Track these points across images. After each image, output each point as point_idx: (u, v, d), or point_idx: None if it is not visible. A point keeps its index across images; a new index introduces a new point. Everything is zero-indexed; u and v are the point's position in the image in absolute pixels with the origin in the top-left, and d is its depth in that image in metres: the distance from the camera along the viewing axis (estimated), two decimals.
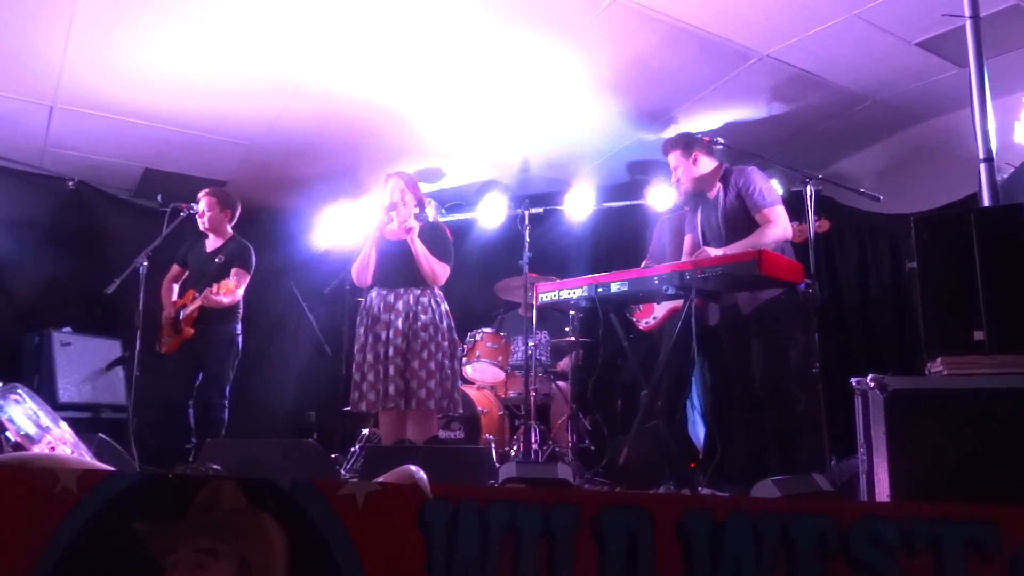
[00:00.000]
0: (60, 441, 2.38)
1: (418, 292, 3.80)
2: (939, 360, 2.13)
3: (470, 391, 4.73)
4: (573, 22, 3.82)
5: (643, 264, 4.26)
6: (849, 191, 3.62)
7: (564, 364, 5.13)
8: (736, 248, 3.24)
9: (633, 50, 4.08)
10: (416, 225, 3.78)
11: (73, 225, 5.48)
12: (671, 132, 4.75)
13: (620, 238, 5.70)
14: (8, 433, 2.28)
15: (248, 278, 4.32)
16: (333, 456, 4.29)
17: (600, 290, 3.33)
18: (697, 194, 3.63)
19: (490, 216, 5.44)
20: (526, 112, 4.78)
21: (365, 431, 4.68)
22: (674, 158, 3.64)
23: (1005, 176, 3.24)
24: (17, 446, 2.26)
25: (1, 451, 2.23)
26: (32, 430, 2.33)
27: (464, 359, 4.84)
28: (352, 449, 4.48)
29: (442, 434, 4.49)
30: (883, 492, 2.03)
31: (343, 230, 5.63)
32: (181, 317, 4.21)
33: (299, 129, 4.94)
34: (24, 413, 2.36)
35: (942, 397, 2.05)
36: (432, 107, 4.70)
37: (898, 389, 2.07)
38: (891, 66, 4.24)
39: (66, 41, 3.87)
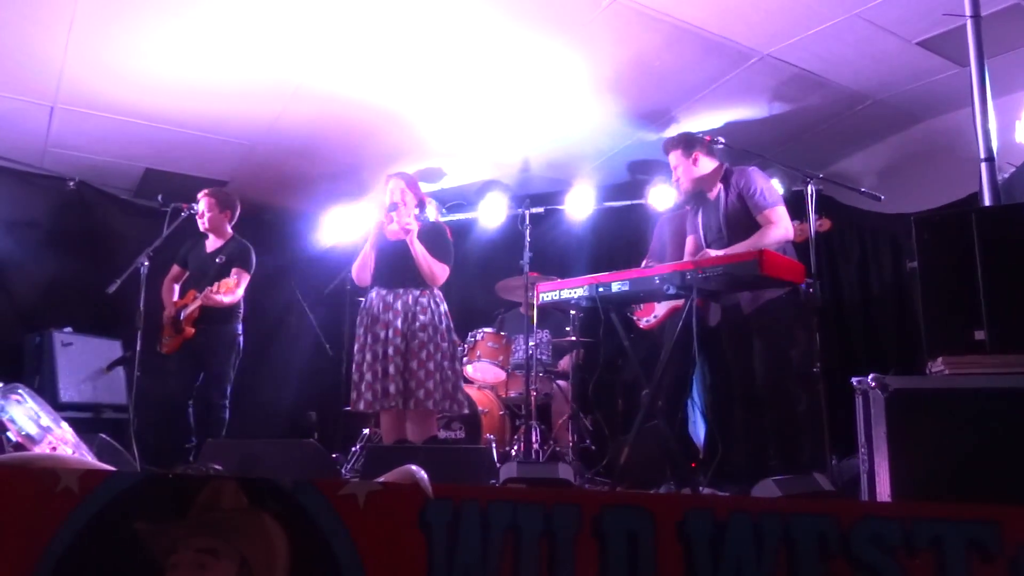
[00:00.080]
0: (61, 441, 2.38)
1: (417, 292, 3.80)
2: (940, 360, 2.13)
3: (471, 391, 4.73)
4: (574, 22, 3.82)
5: (643, 263, 4.26)
6: (850, 191, 3.61)
7: (565, 364, 5.13)
8: (738, 250, 3.24)
9: (634, 50, 4.08)
10: (415, 226, 3.78)
11: (74, 225, 5.49)
12: (672, 132, 4.75)
13: (621, 238, 5.70)
14: (9, 433, 2.28)
15: (248, 278, 4.32)
16: (334, 456, 4.29)
17: (601, 290, 3.33)
18: (698, 194, 3.62)
19: (491, 216, 5.44)
20: (527, 112, 4.78)
21: (366, 431, 4.68)
22: (674, 157, 3.64)
23: (1006, 176, 3.25)
24: (18, 446, 2.27)
25: (2, 451, 2.24)
26: (33, 430, 2.33)
27: (465, 359, 4.84)
28: (353, 449, 4.48)
29: (443, 434, 4.49)
30: (884, 492, 2.03)
31: (344, 230, 5.64)
32: (182, 317, 4.22)
33: (299, 130, 4.94)
34: (25, 413, 2.36)
35: (943, 397, 2.05)
36: (432, 107, 4.70)
37: (899, 389, 2.07)
38: (892, 65, 4.24)
39: (67, 41, 3.87)
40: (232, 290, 4.12)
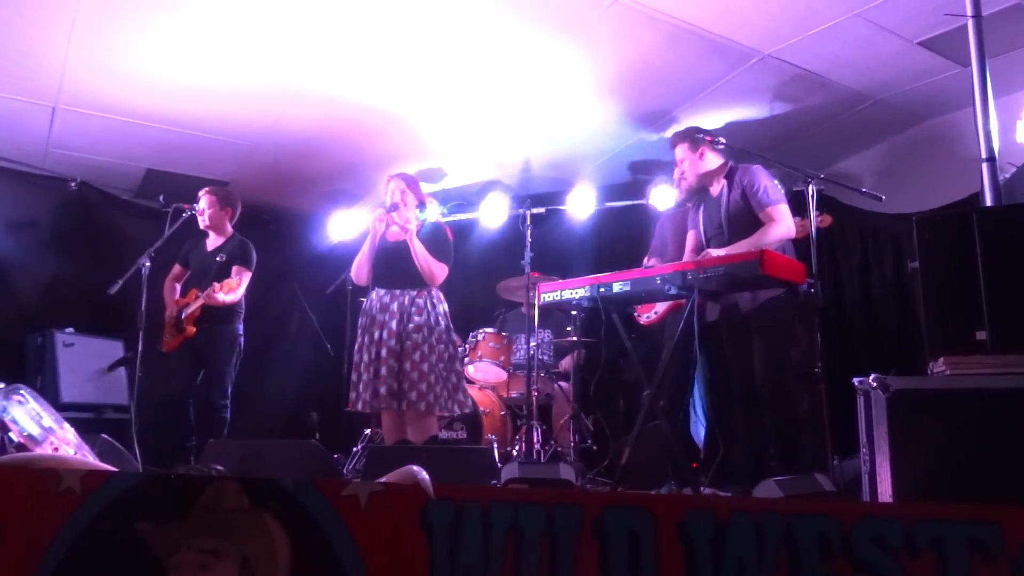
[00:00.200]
0: (63, 442, 2.39)
1: (414, 293, 3.79)
2: (941, 360, 2.13)
3: (472, 391, 4.73)
4: (575, 22, 3.81)
5: (645, 260, 4.26)
6: (851, 191, 3.61)
7: (566, 364, 5.13)
8: (739, 248, 3.24)
9: (635, 50, 4.08)
10: (415, 226, 3.79)
11: (75, 226, 5.50)
12: (673, 132, 4.74)
13: (622, 238, 5.70)
14: (11, 434, 2.28)
15: (250, 275, 4.33)
16: (335, 456, 4.29)
17: (602, 290, 3.32)
18: (700, 190, 3.63)
19: (492, 216, 5.44)
20: (528, 112, 4.78)
21: (367, 431, 4.69)
22: (681, 151, 3.64)
23: (1007, 176, 3.24)
24: (20, 447, 2.27)
25: (4, 452, 2.24)
26: (35, 431, 2.33)
27: (466, 359, 4.84)
28: (354, 449, 4.49)
29: (444, 434, 4.49)
30: (885, 492, 2.03)
31: (345, 230, 5.64)
32: (183, 316, 4.22)
33: (301, 130, 4.94)
34: (27, 414, 2.37)
35: (944, 397, 2.05)
36: (433, 108, 4.70)
37: (900, 389, 2.07)
38: (893, 65, 4.24)
39: (68, 42, 3.88)
40: (234, 289, 4.13)
